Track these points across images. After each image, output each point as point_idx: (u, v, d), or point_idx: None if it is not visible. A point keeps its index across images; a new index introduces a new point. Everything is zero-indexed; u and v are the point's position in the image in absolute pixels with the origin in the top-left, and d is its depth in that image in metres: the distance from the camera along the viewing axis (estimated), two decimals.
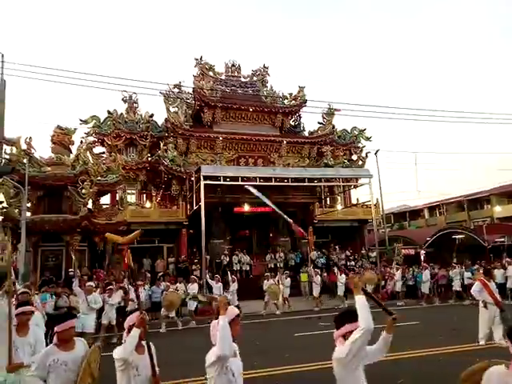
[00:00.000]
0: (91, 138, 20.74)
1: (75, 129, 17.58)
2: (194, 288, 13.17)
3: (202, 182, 16.28)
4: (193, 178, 18.09)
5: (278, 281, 14.88)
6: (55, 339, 3.22)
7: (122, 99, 22.80)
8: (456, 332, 8.85)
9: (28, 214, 15.05)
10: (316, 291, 15.58)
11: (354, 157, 26.20)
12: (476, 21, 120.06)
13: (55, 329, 3.21)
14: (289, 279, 15.74)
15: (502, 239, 25.28)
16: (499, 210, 37.81)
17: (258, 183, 18.24)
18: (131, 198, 21.60)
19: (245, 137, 22.05)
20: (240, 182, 17.75)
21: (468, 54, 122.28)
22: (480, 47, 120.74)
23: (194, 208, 17.78)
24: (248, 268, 18.84)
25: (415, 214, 48.86)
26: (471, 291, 8.59)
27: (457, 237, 23.77)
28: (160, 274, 16.65)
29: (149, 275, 16.42)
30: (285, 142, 22.77)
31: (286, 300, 15.20)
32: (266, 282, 14.76)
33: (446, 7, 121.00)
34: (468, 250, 24.26)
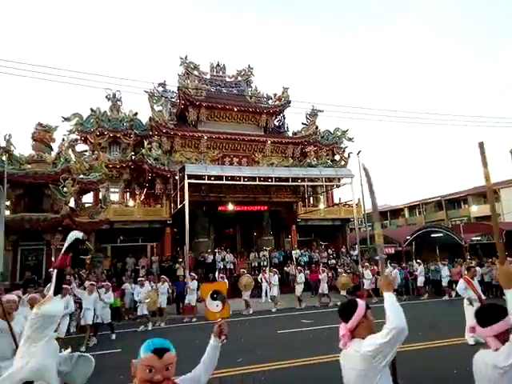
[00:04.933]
0: (73, 136, 20.42)
1: (57, 126, 17.24)
2: (164, 288, 12.99)
3: (186, 181, 16.28)
4: (177, 177, 18.07)
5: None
6: None
7: (106, 97, 22.54)
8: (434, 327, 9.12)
9: (7, 212, 14.76)
10: (299, 290, 15.18)
11: (337, 157, 26.63)
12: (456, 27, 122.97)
13: None
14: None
15: (479, 238, 26.19)
16: (476, 210, 39.02)
17: (242, 182, 18.41)
18: (114, 197, 21.41)
19: (229, 136, 22.14)
20: (224, 181, 17.87)
21: (450, 59, 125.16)
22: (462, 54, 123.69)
23: (178, 207, 17.77)
24: (232, 266, 18.94)
25: (396, 213, 49.88)
26: (457, 289, 8.76)
27: (435, 235, 24.46)
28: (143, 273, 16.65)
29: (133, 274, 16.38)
30: (269, 141, 22.97)
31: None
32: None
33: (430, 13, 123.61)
34: (446, 249, 25.04)
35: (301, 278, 15.49)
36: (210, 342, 2.29)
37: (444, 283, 16.41)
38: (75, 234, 3.01)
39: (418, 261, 17.90)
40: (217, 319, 2.42)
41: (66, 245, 2.97)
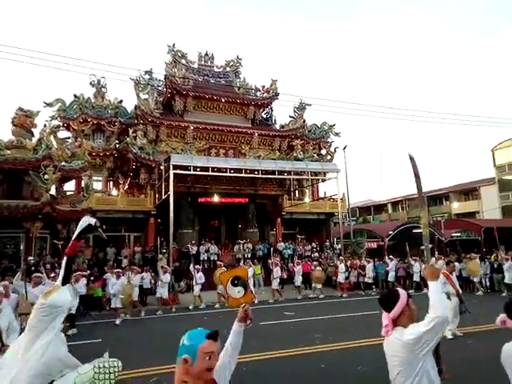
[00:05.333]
0: (56, 122, 19.87)
1: (38, 111, 16.83)
2: (136, 280, 12.55)
3: (172, 171, 16.10)
4: (162, 167, 17.85)
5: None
6: None
7: (90, 83, 21.97)
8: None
9: None
10: (274, 284, 15.15)
11: (323, 151, 26.75)
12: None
13: None
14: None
15: (458, 234, 26.79)
16: (456, 207, 39.95)
17: (228, 174, 18.31)
18: (97, 185, 21.03)
19: (216, 127, 21.94)
20: (210, 173, 17.74)
21: (442, 54, 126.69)
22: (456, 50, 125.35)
23: (163, 197, 17.57)
24: (216, 258, 18.91)
25: (379, 208, 50.64)
26: None
27: (417, 231, 24.88)
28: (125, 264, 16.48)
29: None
30: (256, 134, 22.86)
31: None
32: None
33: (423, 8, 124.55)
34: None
35: (277, 272, 15.45)
36: (233, 327, 2.24)
37: (415, 278, 16.75)
38: (88, 220, 2.88)
39: (391, 256, 18.12)
40: (240, 305, 2.34)
41: (77, 231, 2.83)
